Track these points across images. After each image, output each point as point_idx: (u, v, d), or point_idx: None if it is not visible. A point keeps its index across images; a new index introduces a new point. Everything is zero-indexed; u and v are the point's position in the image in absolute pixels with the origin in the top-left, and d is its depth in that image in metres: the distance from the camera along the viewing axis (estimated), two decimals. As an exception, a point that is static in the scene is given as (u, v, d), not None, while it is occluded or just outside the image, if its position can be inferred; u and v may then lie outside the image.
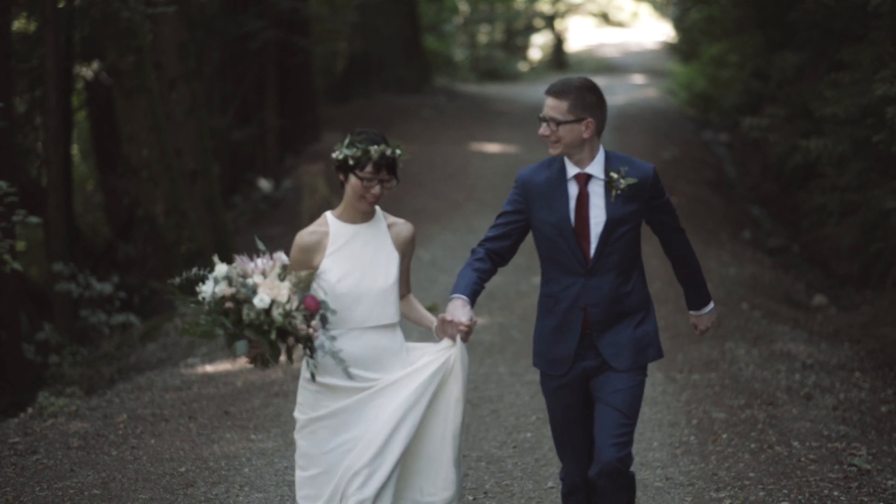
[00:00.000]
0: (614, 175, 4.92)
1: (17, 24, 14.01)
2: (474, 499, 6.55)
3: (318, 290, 4.72)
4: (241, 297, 4.49)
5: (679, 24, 26.92)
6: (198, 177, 13.39)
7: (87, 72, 15.59)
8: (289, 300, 4.52)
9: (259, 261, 4.62)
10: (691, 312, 5.34)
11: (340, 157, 4.80)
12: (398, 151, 4.80)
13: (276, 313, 4.50)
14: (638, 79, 29.80)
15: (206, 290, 4.54)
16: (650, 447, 7.19)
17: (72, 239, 13.16)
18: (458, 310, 4.85)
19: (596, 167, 4.97)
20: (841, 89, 10.66)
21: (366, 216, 4.90)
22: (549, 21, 33.61)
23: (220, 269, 4.57)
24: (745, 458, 6.92)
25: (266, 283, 4.54)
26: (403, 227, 5.00)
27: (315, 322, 4.57)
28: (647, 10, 39.96)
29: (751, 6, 15.66)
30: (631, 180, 4.91)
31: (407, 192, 15.80)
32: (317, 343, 4.60)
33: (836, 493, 6.33)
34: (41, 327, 11.62)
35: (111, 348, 11.12)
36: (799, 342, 9.58)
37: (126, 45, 11.94)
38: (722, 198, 16.91)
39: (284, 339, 4.53)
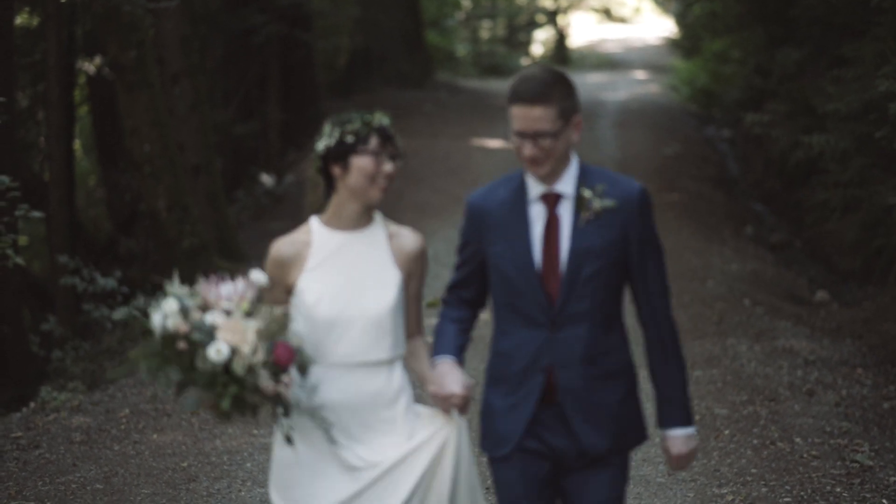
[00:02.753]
0: (587, 193, 3.71)
1: (20, 20, 14.02)
2: (476, 494, 6.54)
3: (295, 324, 3.73)
4: (196, 340, 3.49)
5: (681, 19, 26.91)
6: (200, 172, 13.39)
7: (89, 67, 15.57)
8: (255, 351, 3.48)
9: (227, 287, 3.58)
10: (661, 431, 3.95)
11: (334, 140, 3.81)
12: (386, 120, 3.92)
13: (238, 366, 3.46)
14: (640, 74, 29.77)
15: (156, 320, 3.53)
16: (652, 443, 7.17)
17: (74, 234, 13.16)
18: (447, 377, 3.79)
19: (567, 183, 3.75)
20: (843, 85, 10.65)
21: (361, 220, 3.86)
22: (552, 17, 33.58)
23: (173, 297, 3.58)
24: (748, 454, 6.92)
25: (228, 324, 3.50)
26: (408, 238, 3.93)
27: (288, 377, 3.53)
28: (649, 6, 39.93)
29: (752, 2, 15.63)
30: (608, 203, 3.70)
31: (408, 187, 15.79)
32: (291, 400, 3.59)
33: (838, 490, 6.33)
34: (45, 321, 11.62)
35: (113, 343, 11.12)
36: (801, 338, 9.57)
37: (128, 39, 11.92)
38: (724, 194, 16.89)
39: (244, 397, 3.51)
